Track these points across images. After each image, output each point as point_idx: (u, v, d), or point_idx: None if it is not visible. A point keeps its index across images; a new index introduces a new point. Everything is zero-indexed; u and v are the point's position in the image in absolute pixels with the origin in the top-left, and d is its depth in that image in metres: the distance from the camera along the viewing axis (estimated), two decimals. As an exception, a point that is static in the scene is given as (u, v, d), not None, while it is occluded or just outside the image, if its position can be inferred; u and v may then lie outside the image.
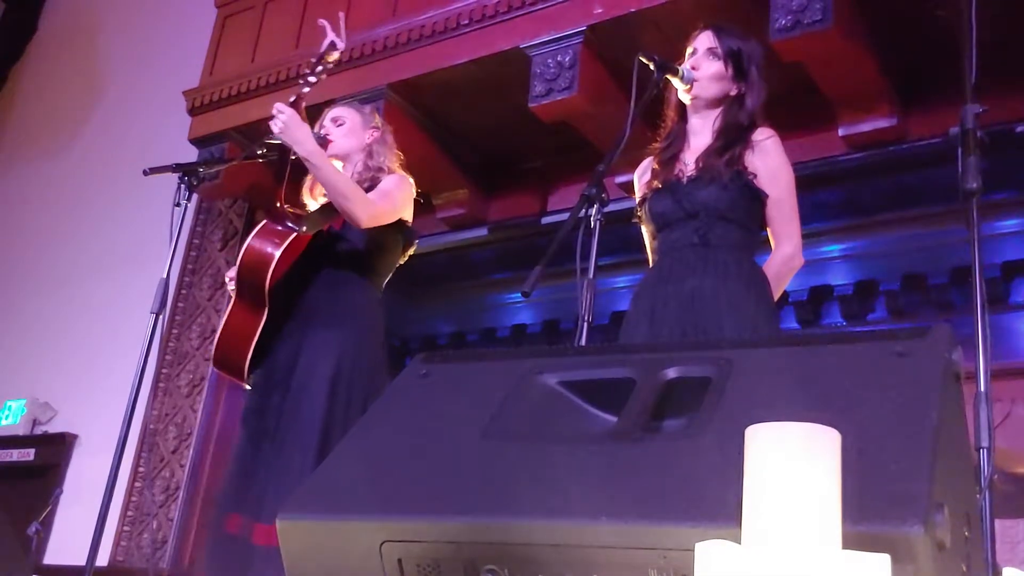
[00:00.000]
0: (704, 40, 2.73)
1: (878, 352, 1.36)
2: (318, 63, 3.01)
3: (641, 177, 2.82)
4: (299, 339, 2.89)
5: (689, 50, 2.75)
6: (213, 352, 2.96)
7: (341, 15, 3.07)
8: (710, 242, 2.55)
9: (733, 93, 2.71)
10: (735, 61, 2.70)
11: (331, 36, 3.01)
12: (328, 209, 3.02)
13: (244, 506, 2.74)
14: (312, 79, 3.00)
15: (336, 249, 2.98)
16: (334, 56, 3.03)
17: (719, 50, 2.70)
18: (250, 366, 2.91)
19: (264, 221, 2.92)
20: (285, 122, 2.84)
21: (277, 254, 2.83)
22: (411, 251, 3.11)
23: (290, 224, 2.92)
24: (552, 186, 5.22)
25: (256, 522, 2.67)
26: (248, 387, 2.97)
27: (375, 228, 2.94)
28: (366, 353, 2.90)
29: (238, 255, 2.93)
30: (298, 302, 2.93)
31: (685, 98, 2.72)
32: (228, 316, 2.92)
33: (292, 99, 2.95)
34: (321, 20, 3.10)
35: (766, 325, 2.47)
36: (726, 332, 2.40)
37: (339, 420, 2.75)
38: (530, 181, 5.28)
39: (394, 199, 3.00)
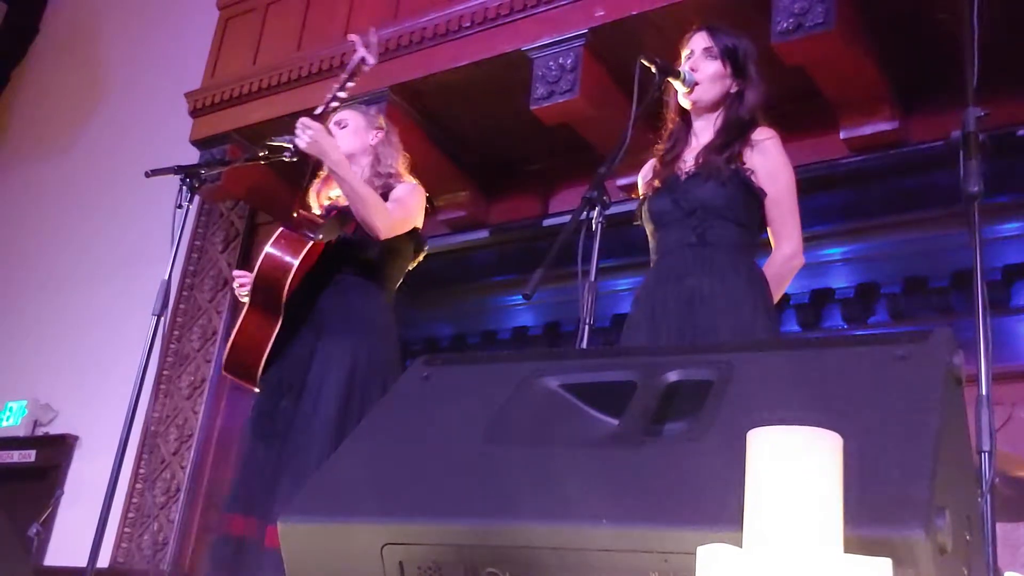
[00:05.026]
0: (699, 41, 2.73)
1: (879, 355, 1.36)
2: (348, 79, 3.02)
3: (644, 178, 2.81)
4: (312, 345, 2.89)
5: (685, 52, 2.75)
6: (225, 357, 2.95)
7: (372, 31, 3.06)
8: (708, 241, 2.53)
9: (733, 91, 2.71)
10: (732, 58, 2.70)
11: (361, 52, 3.02)
12: (343, 216, 3.03)
13: (256, 508, 2.73)
14: (341, 94, 3.02)
15: (349, 256, 2.98)
16: (363, 72, 3.04)
17: (715, 49, 2.70)
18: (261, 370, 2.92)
19: (280, 228, 2.91)
20: (313, 136, 2.87)
21: (296, 263, 2.85)
22: (421, 257, 3.12)
23: (307, 232, 2.93)
24: (553, 189, 5.22)
25: (268, 524, 2.66)
26: (257, 390, 2.97)
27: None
28: (379, 359, 2.91)
29: (256, 261, 2.92)
30: (311, 308, 2.93)
31: (685, 102, 2.71)
32: (241, 322, 2.91)
33: (318, 112, 2.98)
34: (352, 36, 3.11)
35: (765, 326, 2.45)
36: (724, 333, 2.39)
37: (352, 424, 2.75)
38: (531, 183, 5.28)
39: (409, 208, 3.03)
